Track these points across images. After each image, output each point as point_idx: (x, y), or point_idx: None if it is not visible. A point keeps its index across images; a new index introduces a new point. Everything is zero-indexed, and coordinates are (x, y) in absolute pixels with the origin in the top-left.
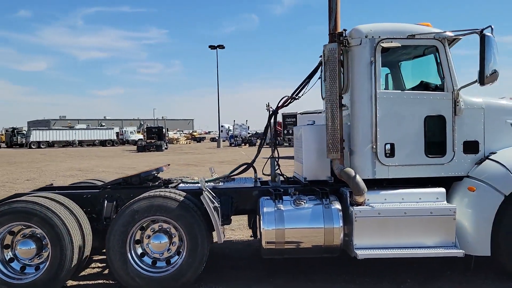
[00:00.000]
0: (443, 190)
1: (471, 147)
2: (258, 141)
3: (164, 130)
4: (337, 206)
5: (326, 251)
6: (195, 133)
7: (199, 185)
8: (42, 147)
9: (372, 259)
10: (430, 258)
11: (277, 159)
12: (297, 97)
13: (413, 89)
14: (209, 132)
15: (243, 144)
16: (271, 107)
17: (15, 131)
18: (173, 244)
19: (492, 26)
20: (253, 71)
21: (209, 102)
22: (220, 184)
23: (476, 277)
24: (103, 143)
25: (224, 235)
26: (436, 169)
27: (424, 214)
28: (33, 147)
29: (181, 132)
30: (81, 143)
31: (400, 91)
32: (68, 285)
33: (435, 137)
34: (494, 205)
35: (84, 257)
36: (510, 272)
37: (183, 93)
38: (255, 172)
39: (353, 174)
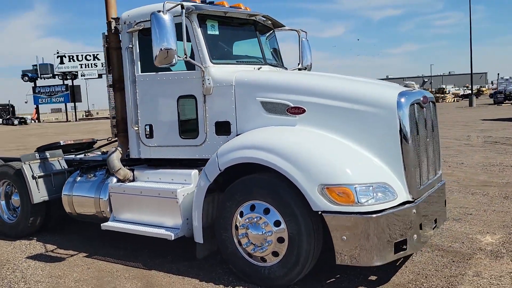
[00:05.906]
0: (191, 171)
1: (223, 128)
2: None
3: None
4: (113, 181)
5: (104, 220)
6: (484, 89)
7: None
8: None
9: None
10: None
11: None
12: None
13: None
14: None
15: (505, 102)
16: None
17: None
18: None
19: (167, 4)
20: None
21: None
22: (82, 156)
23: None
24: None
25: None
26: (191, 150)
27: (154, 195)
28: None
29: (459, 88)
30: None
31: (154, 73)
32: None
33: (188, 118)
34: (202, 190)
35: None
36: None
37: (484, 42)
38: None
39: (110, 153)
